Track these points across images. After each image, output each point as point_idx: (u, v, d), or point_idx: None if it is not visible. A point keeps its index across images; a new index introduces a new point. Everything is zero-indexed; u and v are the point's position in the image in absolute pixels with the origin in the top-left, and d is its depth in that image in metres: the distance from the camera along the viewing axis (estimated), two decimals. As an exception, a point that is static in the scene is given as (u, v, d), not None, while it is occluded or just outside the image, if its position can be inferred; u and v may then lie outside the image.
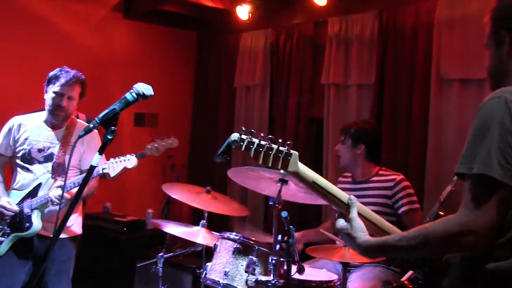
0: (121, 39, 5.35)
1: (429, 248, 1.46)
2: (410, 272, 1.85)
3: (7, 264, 3.04)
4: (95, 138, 3.26)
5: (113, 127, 1.69)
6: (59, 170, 3.10)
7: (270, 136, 1.63)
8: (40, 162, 3.11)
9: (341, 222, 1.65)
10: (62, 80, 3.08)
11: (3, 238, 3.03)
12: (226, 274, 2.82)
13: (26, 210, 3.02)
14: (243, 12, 4.90)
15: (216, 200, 3.43)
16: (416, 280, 1.80)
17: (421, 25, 3.89)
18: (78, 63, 4.70)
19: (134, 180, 4.01)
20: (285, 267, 2.79)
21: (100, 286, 4.52)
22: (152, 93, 1.76)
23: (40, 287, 3.13)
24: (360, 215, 1.67)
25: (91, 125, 1.69)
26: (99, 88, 4.20)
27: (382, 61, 4.12)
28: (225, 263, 2.87)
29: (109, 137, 1.68)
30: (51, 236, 3.04)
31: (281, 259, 2.74)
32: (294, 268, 2.64)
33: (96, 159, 1.70)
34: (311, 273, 2.98)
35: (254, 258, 2.81)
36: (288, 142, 1.65)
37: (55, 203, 2.95)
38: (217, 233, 3.14)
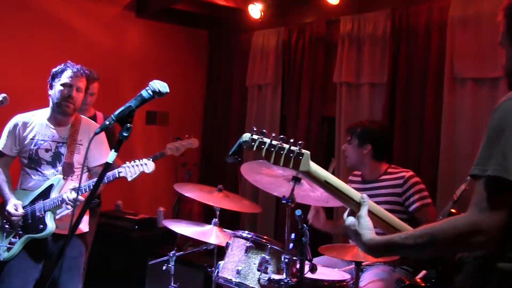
0: (133, 37, 5.37)
1: (436, 247, 1.45)
2: (423, 272, 1.85)
3: (20, 264, 3.05)
4: (101, 135, 3.20)
5: (128, 124, 1.69)
6: (69, 170, 3.08)
7: (281, 136, 1.64)
8: (48, 162, 3.09)
9: (350, 219, 1.66)
10: (70, 72, 3.07)
11: (15, 240, 3.04)
12: (238, 272, 2.82)
13: (39, 212, 3.02)
14: (255, 10, 4.90)
15: (228, 198, 3.44)
16: (428, 278, 1.79)
17: (434, 23, 3.87)
18: (90, 62, 4.73)
19: (145, 178, 3.99)
20: (298, 266, 2.80)
21: (112, 284, 4.55)
22: (168, 90, 1.76)
23: (55, 284, 3.15)
24: (372, 213, 1.68)
25: (107, 122, 1.69)
26: (111, 86, 4.23)
27: (394, 60, 4.11)
28: (237, 262, 2.87)
29: (125, 134, 1.68)
30: (63, 234, 3.07)
31: (294, 257, 2.74)
32: (306, 267, 2.65)
33: (112, 156, 1.70)
34: (323, 272, 2.97)
35: (267, 257, 2.80)
36: (300, 142, 1.65)
37: (69, 206, 2.95)
38: (230, 231, 3.14)
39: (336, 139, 4.53)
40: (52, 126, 3.13)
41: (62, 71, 3.08)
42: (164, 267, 3.43)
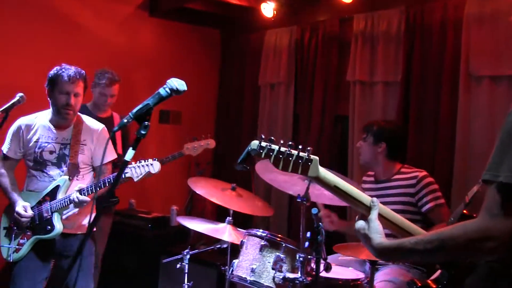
0: (146, 37, 5.39)
1: (446, 253, 1.44)
2: (438, 272, 1.84)
3: (29, 265, 3.08)
4: (104, 133, 3.25)
5: (146, 122, 1.69)
6: (74, 170, 3.09)
7: (290, 143, 1.64)
8: (53, 164, 3.10)
9: (360, 223, 1.66)
10: (66, 79, 3.01)
11: (23, 241, 3.06)
12: (253, 271, 2.82)
13: (46, 213, 3.03)
14: (268, 9, 4.89)
15: (241, 198, 3.43)
16: (440, 280, 1.79)
17: (450, 21, 3.84)
18: (103, 61, 4.79)
19: (158, 177, 4.02)
20: (313, 265, 2.79)
21: (125, 282, 4.56)
22: (185, 88, 1.76)
23: (66, 284, 3.17)
24: (382, 216, 1.67)
25: (125, 120, 1.70)
26: (124, 85, 4.23)
27: (409, 58, 4.08)
28: (252, 260, 2.87)
29: (143, 132, 1.68)
30: (71, 233, 3.10)
31: (309, 256, 2.74)
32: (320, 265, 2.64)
33: (130, 154, 1.71)
34: (337, 271, 2.97)
35: (282, 255, 2.80)
36: (309, 148, 1.65)
37: (77, 207, 2.97)
38: (244, 230, 3.14)
39: (349, 138, 4.51)
40: (55, 128, 3.14)
41: (57, 77, 3.03)
42: (178, 266, 3.44)
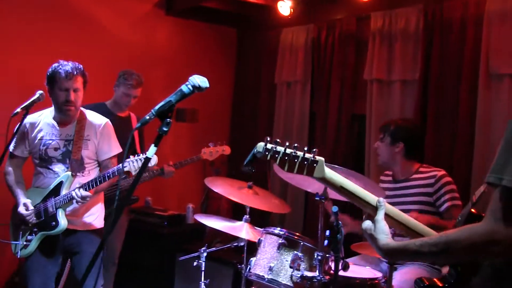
0: (162, 35, 5.40)
1: (451, 255, 1.46)
2: (446, 270, 1.85)
3: (39, 260, 3.11)
4: (107, 127, 3.26)
5: (168, 119, 1.70)
6: (78, 166, 3.11)
7: (295, 145, 1.64)
8: (58, 160, 3.12)
9: (367, 223, 1.66)
10: (63, 75, 3.01)
11: (31, 237, 3.10)
12: (270, 269, 2.82)
13: (51, 209, 3.06)
14: (285, 7, 4.88)
15: (257, 196, 3.44)
16: (448, 279, 1.79)
17: (470, 18, 3.79)
18: (120, 59, 4.82)
19: (174, 176, 4.07)
20: (331, 263, 2.79)
21: (141, 279, 4.59)
22: (208, 85, 1.75)
23: (76, 281, 3.21)
24: (389, 216, 1.67)
25: (147, 117, 1.70)
26: (140, 84, 4.26)
27: (427, 56, 4.04)
28: (269, 258, 2.87)
29: (165, 129, 1.69)
30: (76, 229, 3.12)
31: (327, 255, 2.73)
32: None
33: (151, 151, 1.71)
34: (355, 270, 2.96)
35: (299, 254, 2.80)
36: (314, 150, 1.65)
37: (79, 202, 2.99)
38: (261, 228, 3.14)
39: (366, 137, 4.48)
40: (58, 125, 3.15)
41: (55, 74, 3.03)
42: (194, 263, 3.44)
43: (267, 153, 1.62)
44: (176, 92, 1.74)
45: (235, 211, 5.06)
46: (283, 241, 2.86)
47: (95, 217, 3.21)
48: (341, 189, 1.68)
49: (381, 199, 1.67)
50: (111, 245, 3.99)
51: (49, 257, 3.13)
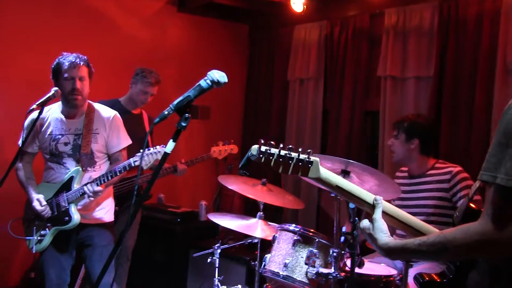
0: (174, 32, 5.40)
1: (449, 255, 1.47)
2: (445, 266, 1.85)
3: (53, 254, 3.14)
4: (116, 120, 3.26)
5: (187, 114, 1.69)
6: (88, 160, 3.12)
7: (289, 146, 1.63)
8: (69, 155, 3.13)
9: (365, 222, 1.65)
10: (67, 65, 3.03)
11: (45, 232, 3.11)
12: (286, 265, 2.82)
13: (63, 204, 3.07)
14: (298, 4, 4.85)
15: (271, 193, 3.43)
16: (446, 274, 1.79)
17: (486, 14, 3.76)
18: (132, 56, 4.83)
19: (187, 173, 4.08)
20: (346, 260, 2.78)
21: (154, 275, 4.60)
22: (227, 80, 1.75)
23: (88, 273, 3.23)
24: (387, 214, 1.66)
25: (166, 112, 1.70)
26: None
27: (442, 53, 4.02)
28: (284, 255, 2.87)
29: (183, 124, 1.69)
30: (88, 223, 3.15)
31: (342, 251, 2.72)
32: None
33: (170, 146, 1.71)
34: (370, 267, 2.94)
35: (315, 250, 2.79)
36: (309, 150, 1.64)
37: (91, 197, 3.01)
38: (276, 225, 3.14)
39: (380, 133, 4.46)
40: (67, 119, 3.16)
41: (61, 66, 3.05)
42: (208, 260, 3.45)
43: (261, 155, 1.60)
44: (194, 87, 1.73)
45: (247, 208, 5.07)
46: (298, 238, 2.86)
47: (106, 211, 3.23)
48: (337, 189, 1.66)
49: (378, 197, 1.66)
50: (124, 242, 3.99)
51: (63, 251, 3.16)
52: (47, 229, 3.11)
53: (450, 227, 1.57)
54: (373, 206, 1.65)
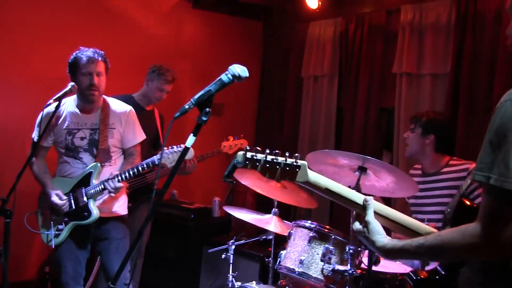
0: (189, 28, 5.40)
1: (447, 256, 1.48)
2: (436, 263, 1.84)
3: (70, 248, 3.17)
4: (131, 115, 3.27)
5: (208, 109, 1.69)
6: (105, 156, 3.13)
7: (276, 151, 1.60)
8: (85, 150, 3.14)
9: (357, 225, 1.62)
10: (85, 60, 3.04)
11: (62, 226, 3.14)
12: (301, 262, 2.81)
13: (82, 199, 3.09)
14: (313, 0, 4.84)
15: (285, 190, 3.42)
16: (439, 271, 1.78)
17: (506, 9, 3.71)
18: (147, 52, 4.84)
19: (199, 168, 4.09)
20: (362, 257, 2.77)
21: (168, 271, 4.61)
22: (248, 74, 1.73)
23: (104, 266, 3.26)
24: (379, 214, 1.63)
25: (186, 106, 1.70)
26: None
27: (459, 49, 3.97)
28: (300, 251, 2.86)
29: (204, 118, 1.69)
30: (106, 217, 3.17)
31: (358, 248, 2.71)
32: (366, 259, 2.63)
33: (190, 141, 1.71)
34: (385, 264, 2.93)
35: (331, 247, 2.78)
36: (296, 154, 1.61)
37: (111, 193, 3.03)
38: (291, 222, 3.13)
39: (395, 131, 4.43)
40: (82, 113, 3.17)
41: (77, 60, 3.06)
42: (222, 256, 3.45)
43: (247, 162, 1.57)
44: (215, 82, 1.73)
45: (260, 205, 5.06)
46: (314, 234, 2.85)
47: (120, 204, 3.26)
48: (326, 191, 1.63)
49: (368, 197, 1.63)
50: (138, 237, 4.01)
51: (79, 245, 3.19)
52: (64, 223, 3.13)
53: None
54: (364, 208, 1.62)
